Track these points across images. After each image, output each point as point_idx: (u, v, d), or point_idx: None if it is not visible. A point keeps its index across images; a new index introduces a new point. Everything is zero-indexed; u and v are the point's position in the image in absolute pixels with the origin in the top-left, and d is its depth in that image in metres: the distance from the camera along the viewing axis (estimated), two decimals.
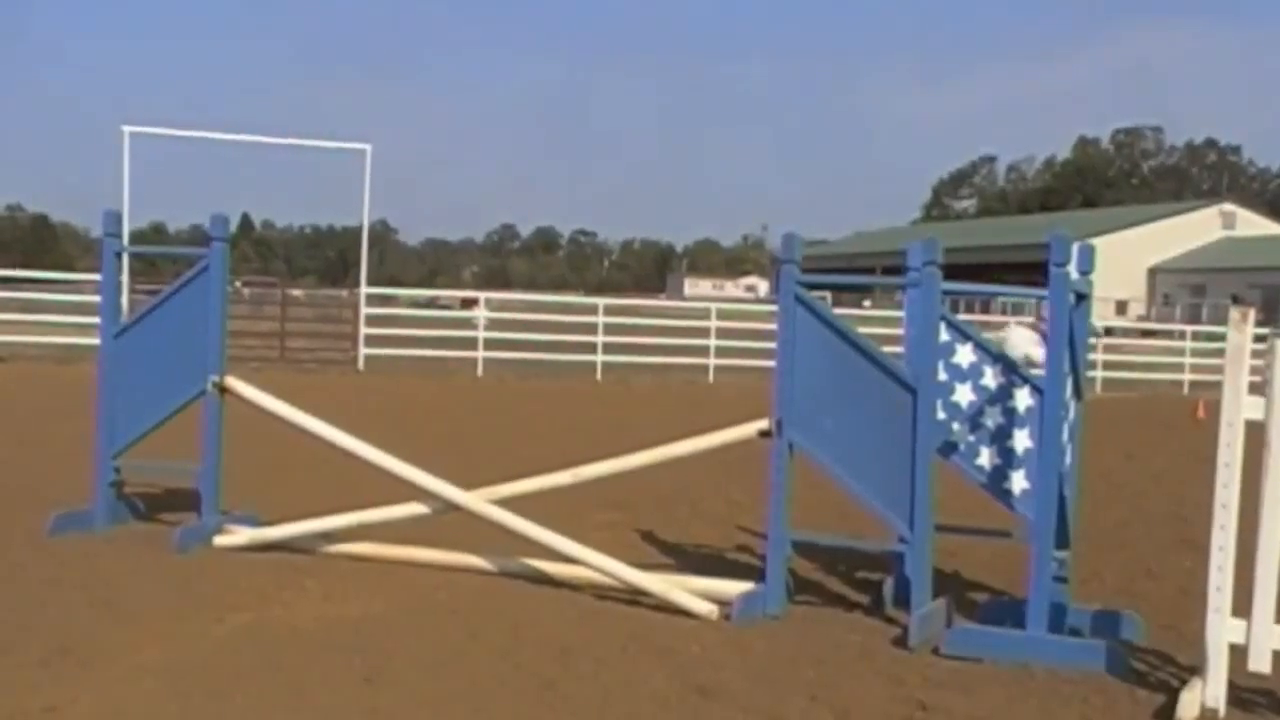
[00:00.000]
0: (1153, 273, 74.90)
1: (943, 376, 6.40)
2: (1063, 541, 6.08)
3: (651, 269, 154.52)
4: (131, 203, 22.60)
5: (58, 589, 6.35)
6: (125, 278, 18.41)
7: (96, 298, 11.22)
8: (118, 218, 8.29)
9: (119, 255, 8.39)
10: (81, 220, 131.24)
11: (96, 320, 8.50)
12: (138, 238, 53.62)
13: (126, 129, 23.29)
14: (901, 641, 5.86)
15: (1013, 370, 6.42)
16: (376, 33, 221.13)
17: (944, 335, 6.43)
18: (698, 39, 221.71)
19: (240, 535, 7.46)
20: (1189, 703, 4.93)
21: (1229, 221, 79.26)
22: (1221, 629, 4.98)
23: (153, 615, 5.92)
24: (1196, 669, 5.15)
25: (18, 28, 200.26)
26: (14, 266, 40.04)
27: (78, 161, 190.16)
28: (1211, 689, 4.97)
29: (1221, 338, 5.41)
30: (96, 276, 9.16)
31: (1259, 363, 5.19)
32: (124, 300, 11.44)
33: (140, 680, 4.98)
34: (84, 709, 4.64)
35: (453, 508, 7.12)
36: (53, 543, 7.36)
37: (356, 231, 26.50)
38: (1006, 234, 79.53)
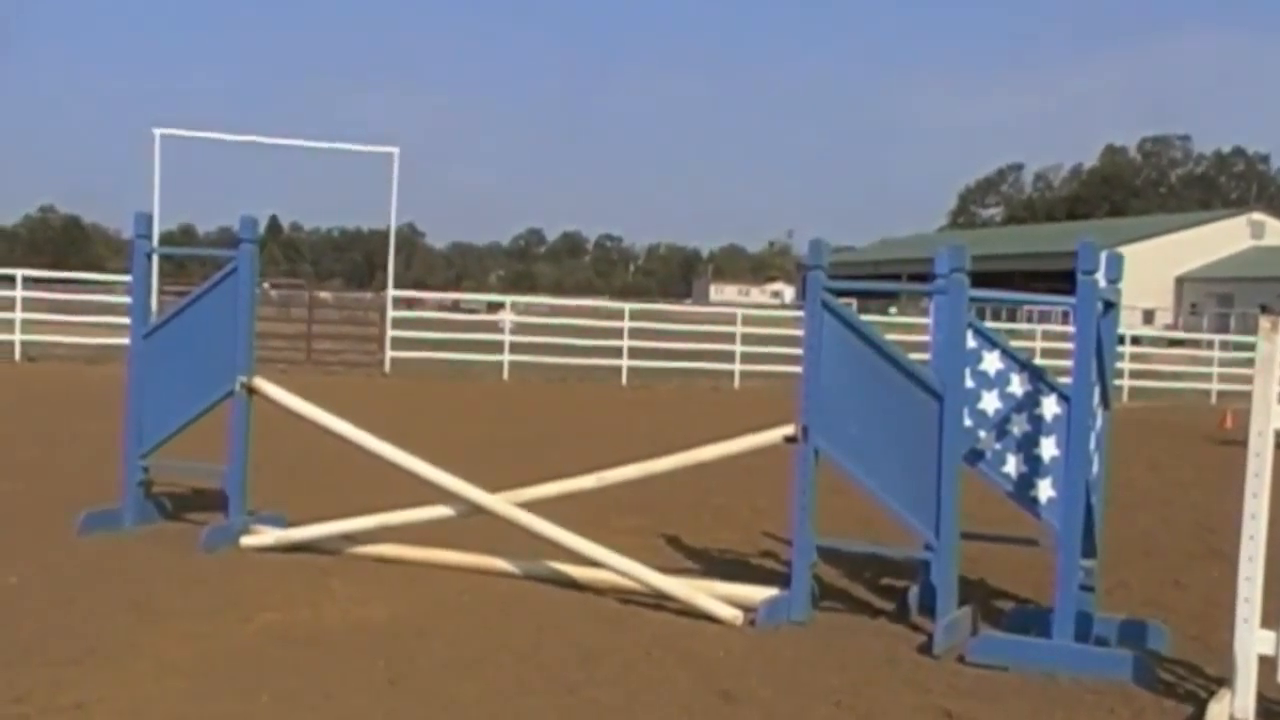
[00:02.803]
0: (1180, 282, 74.44)
1: (969, 384, 6.38)
2: (1089, 550, 6.05)
3: (677, 274, 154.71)
4: (162, 204, 22.79)
5: (86, 588, 6.39)
6: (155, 279, 18.53)
7: (126, 298, 11.29)
8: (148, 219, 8.35)
9: (149, 256, 8.44)
10: (112, 222, 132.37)
11: (126, 321, 8.55)
12: (167, 239, 54.06)
13: (157, 131, 23.46)
14: (926, 649, 5.84)
15: (1039, 378, 6.40)
16: (404, 36, 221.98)
17: (971, 342, 6.41)
18: (725, 44, 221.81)
19: (266, 536, 7.50)
20: (1217, 714, 4.90)
21: (1257, 231, 78.77)
22: (1250, 640, 4.94)
23: (180, 615, 5.96)
24: (1224, 680, 5.12)
25: (49, 31, 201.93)
26: (45, 267, 40.39)
27: (109, 163, 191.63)
28: (1240, 701, 4.94)
29: (1249, 347, 5.38)
30: (127, 277, 9.22)
31: None
32: (153, 301, 11.51)
33: (167, 679, 5.01)
34: (112, 707, 4.67)
35: (477, 510, 7.14)
36: (82, 541, 7.42)
37: (384, 234, 26.62)
38: (1033, 242, 79.25)
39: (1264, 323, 4.99)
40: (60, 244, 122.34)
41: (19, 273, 23.77)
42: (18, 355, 22.41)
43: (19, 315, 22.74)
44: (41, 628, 5.64)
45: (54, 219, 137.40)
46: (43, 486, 9.14)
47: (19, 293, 22.94)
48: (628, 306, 27.62)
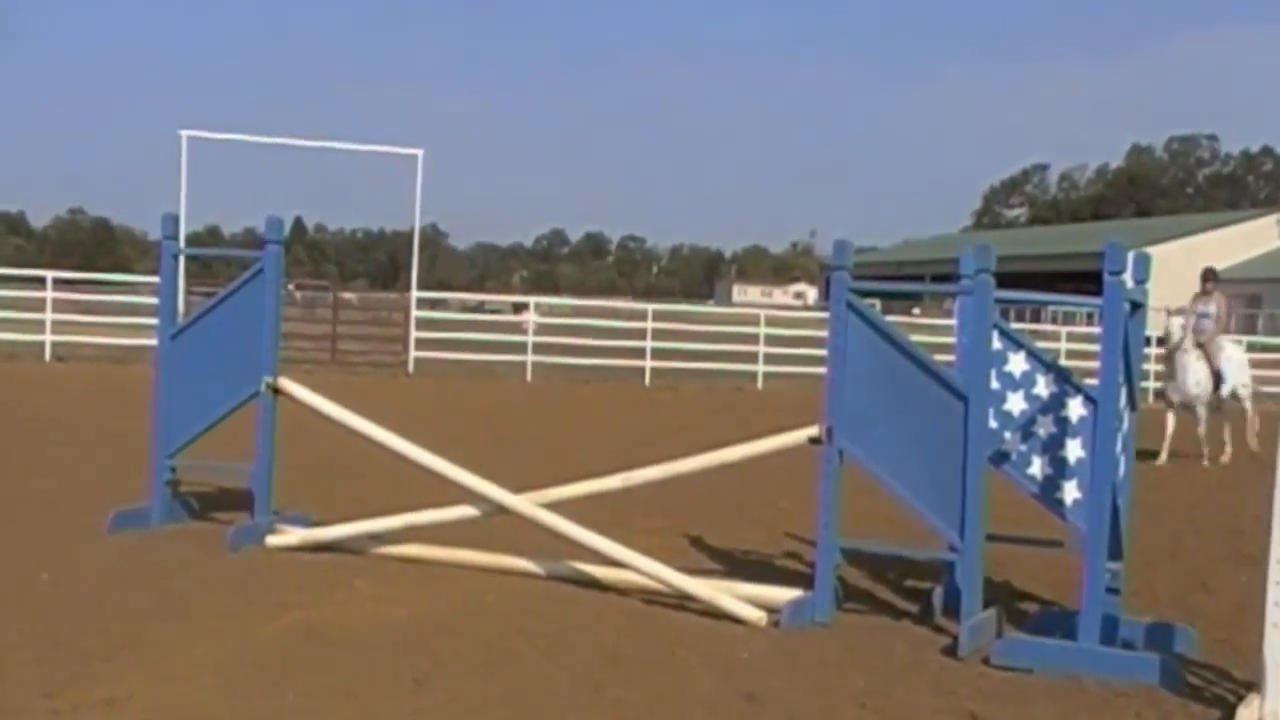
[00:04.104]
0: None
1: (994, 385, 6.36)
2: (1115, 553, 6.03)
3: (700, 275, 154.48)
4: (188, 206, 22.95)
5: (116, 585, 6.44)
6: (182, 280, 18.64)
7: (154, 299, 11.39)
8: (175, 221, 8.41)
9: (176, 257, 8.50)
10: (140, 223, 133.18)
11: (154, 321, 8.62)
12: (194, 240, 54.30)
13: (184, 133, 23.61)
14: (951, 651, 5.83)
15: (1065, 379, 6.38)
16: (428, 37, 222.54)
17: (996, 343, 6.39)
18: (747, 43, 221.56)
19: (292, 535, 7.54)
20: (1245, 719, 4.87)
21: None
22: (1279, 644, 4.91)
23: (207, 613, 6.00)
24: (1253, 685, 5.09)
25: (75, 34, 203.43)
26: (74, 268, 40.65)
27: (137, 166, 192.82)
28: (1270, 705, 4.90)
29: (1278, 349, 5.35)
30: (154, 278, 9.29)
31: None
32: (180, 302, 11.58)
33: (194, 676, 5.05)
34: (140, 703, 4.70)
35: (502, 510, 7.16)
36: (111, 540, 7.48)
37: (408, 235, 26.70)
38: (1058, 242, 78.80)
39: None
40: (89, 245, 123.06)
41: (49, 274, 23.97)
42: (48, 355, 22.59)
43: (49, 316, 22.92)
44: (72, 624, 5.69)
45: (83, 221, 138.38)
46: (72, 485, 9.21)
47: (49, 294, 23.13)
48: (651, 307, 27.66)
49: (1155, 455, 13.93)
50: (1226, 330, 14.93)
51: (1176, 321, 14.71)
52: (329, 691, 4.94)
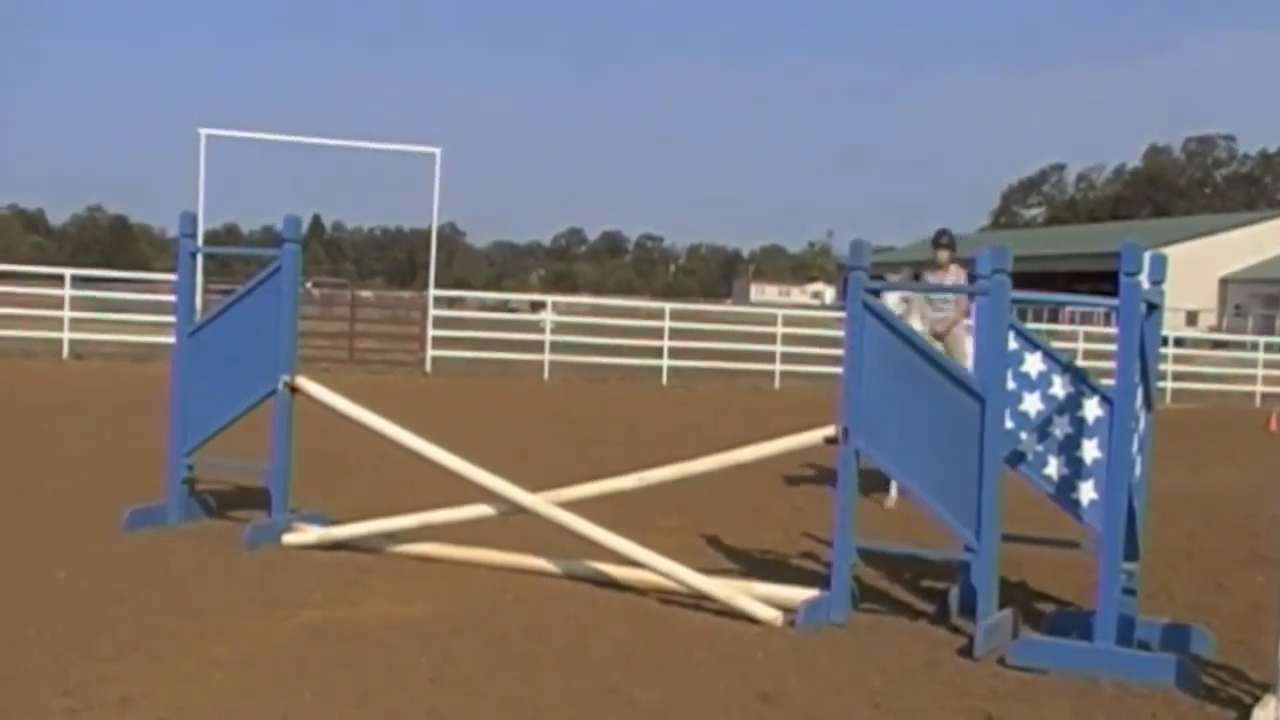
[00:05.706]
0: (1224, 283, 73.54)
1: (1011, 385, 6.35)
2: (1131, 553, 6.01)
3: (717, 274, 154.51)
4: (206, 204, 22.96)
5: (132, 583, 6.47)
6: (199, 278, 18.68)
7: (172, 297, 11.42)
8: (193, 219, 8.44)
9: (194, 255, 8.53)
10: (158, 221, 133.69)
11: (172, 319, 8.65)
12: (212, 238, 54.47)
13: (203, 131, 23.64)
14: (967, 651, 5.82)
15: (1081, 380, 6.36)
16: (446, 36, 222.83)
17: (1013, 344, 6.38)
18: (765, 43, 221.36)
19: (309, 534, 7.56)
20: None
21: None
22: None
23: (223, 611, 6.02)
24: (1269, 686, 5.07)
25: (94, 32, 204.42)
26: (93, 266, 40.84)
27: (155, 164, 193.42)
28: None
29: None
30: (172, 276, 9.32)
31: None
32: (198, 300, 11.62)
33: (210, 675, 5.07)
34: (156, 702, 4.72)
35: (518, 510, 7.17)
36: (127, 537, 7.51)
37: (425, 234, 26.73)
38: (1075, 243, 78.52)
39: None
40: (107, 243, 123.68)
41: (67, 272, 24.05)
42: (65, 353, 22.67)
43: (67, 314, 22.99)
44: (88, 623, 5.71)
45: (101, 218, 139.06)
46: (89, 483, 9.25)
47: (67, 291, 23.20)
48: (668, 306, 27.63)
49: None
50: (967, 315, 10.05)
51: (894, 297, 10.32)
52: (344, 690, 4.96)
